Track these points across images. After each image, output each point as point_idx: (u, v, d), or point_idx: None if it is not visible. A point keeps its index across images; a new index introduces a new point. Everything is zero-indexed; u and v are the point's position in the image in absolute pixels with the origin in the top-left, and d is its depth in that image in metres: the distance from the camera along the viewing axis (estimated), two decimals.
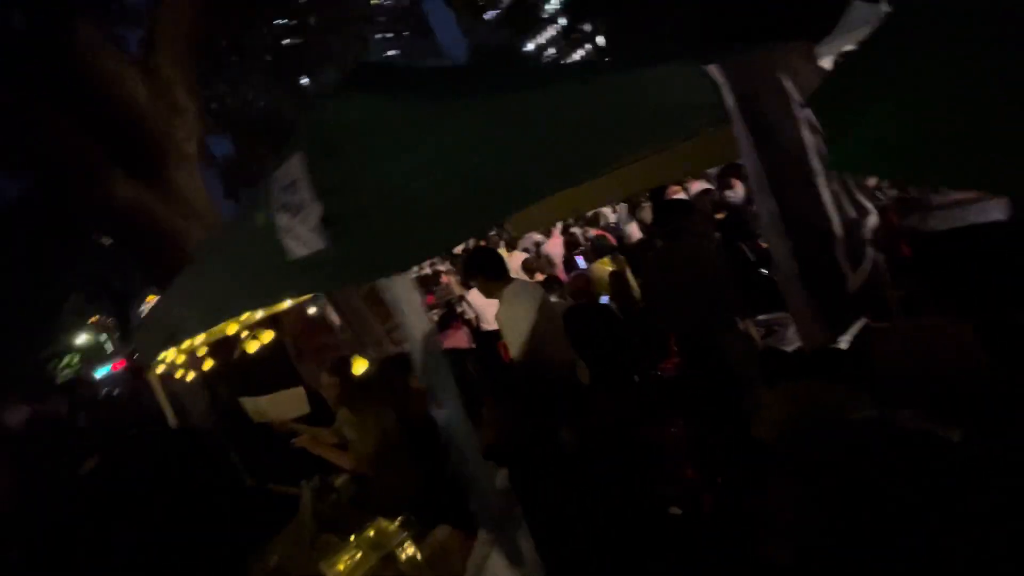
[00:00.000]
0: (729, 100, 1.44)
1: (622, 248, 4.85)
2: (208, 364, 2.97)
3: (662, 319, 3.53)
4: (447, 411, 0.92)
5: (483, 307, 4.82)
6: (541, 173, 0.88)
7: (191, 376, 3.04)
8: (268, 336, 2.50)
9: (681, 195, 4.20)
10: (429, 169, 0.77)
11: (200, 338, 2.20)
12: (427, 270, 8.92)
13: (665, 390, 3.11)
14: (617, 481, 2.42)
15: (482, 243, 9.94)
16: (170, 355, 2.46)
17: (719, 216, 3.79)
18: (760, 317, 3.14)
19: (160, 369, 2.63)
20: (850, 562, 1.37)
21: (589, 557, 2.12)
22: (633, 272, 4.16)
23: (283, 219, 0.84)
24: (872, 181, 2.56)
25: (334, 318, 4.59)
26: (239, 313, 1.12)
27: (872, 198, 2.02)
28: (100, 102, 4.17)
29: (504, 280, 2.69)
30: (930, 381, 1.47)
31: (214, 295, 1.17)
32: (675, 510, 2.60)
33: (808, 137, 1.76)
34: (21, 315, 14.39)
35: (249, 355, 4.47)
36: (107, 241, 14.83)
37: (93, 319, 18.98)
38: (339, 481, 2.66)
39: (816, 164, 1.72)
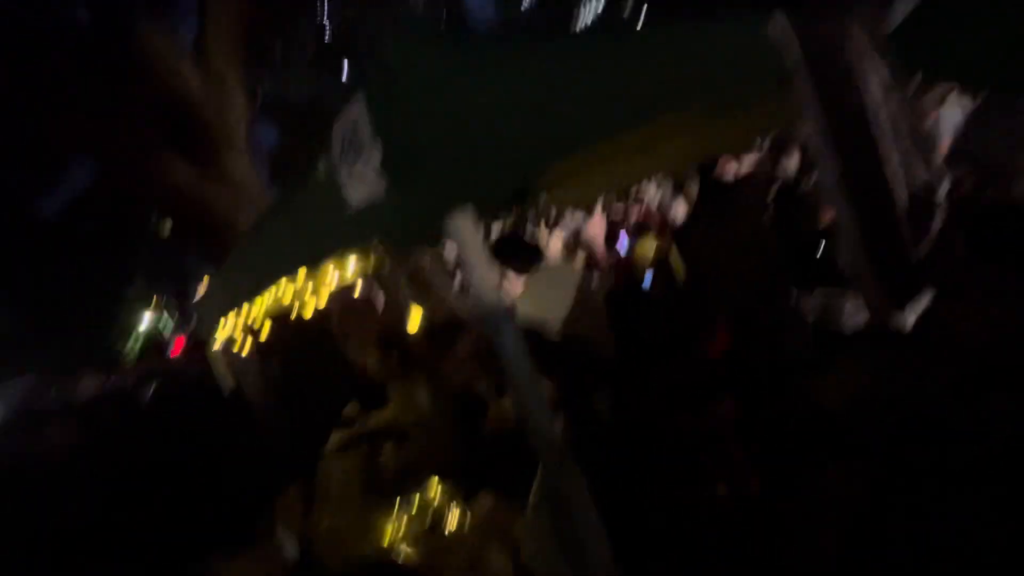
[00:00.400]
0: (793, 55, 1.35)
1: (667, 227, 4.72)
2: (264, 336, 3.10)
3: (709, 299, 3.42)
4: (514, 360, 0.90)
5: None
6: (595, 117, 0.84)
7: (248, 349, 3.18)
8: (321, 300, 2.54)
9: (732, 168, 4.02)
10: (491, 109, 0.76)
11: (257, 309, 2.29)
12: None
13: (711, 371, 3.02)
14: (659, 463, 2.38)
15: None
16: (228, 329, 2.58)
17: (772, 190, 3.62)
18: (815, 294, 3.00)
19: (219, 343, 2.76)
20: (900, 550, 1.30)
21: (629, 538, 2.10)
22: (679, 251, 4.04)
23: (344, 165, 0.84)
24: (947, 144, 2.37)
25: (380, 302, 4.68)
26: (297, 270, 1.14)
27: (949, 163, 1.88)
28: (157, 91, 4.37)
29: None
30: (1003, 358, 1.36)
31: (272, 255, 1.20)
32: (721, 490, 2.54)
33: (877, 94, 1.64)
34: (89, 298, 15.45)
35: (300, 338, 4.64)
36: (165, 227, 15.68)
37: (155, 302, 20.17)
38: (385, 451, 2.73)
39: (885, 125, 1.60)
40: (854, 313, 2.14)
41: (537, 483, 1.57)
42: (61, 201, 14.13)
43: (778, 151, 3.89)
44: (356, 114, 0.80)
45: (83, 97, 4.28)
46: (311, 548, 2.32)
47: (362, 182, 0.82)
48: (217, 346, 2.77)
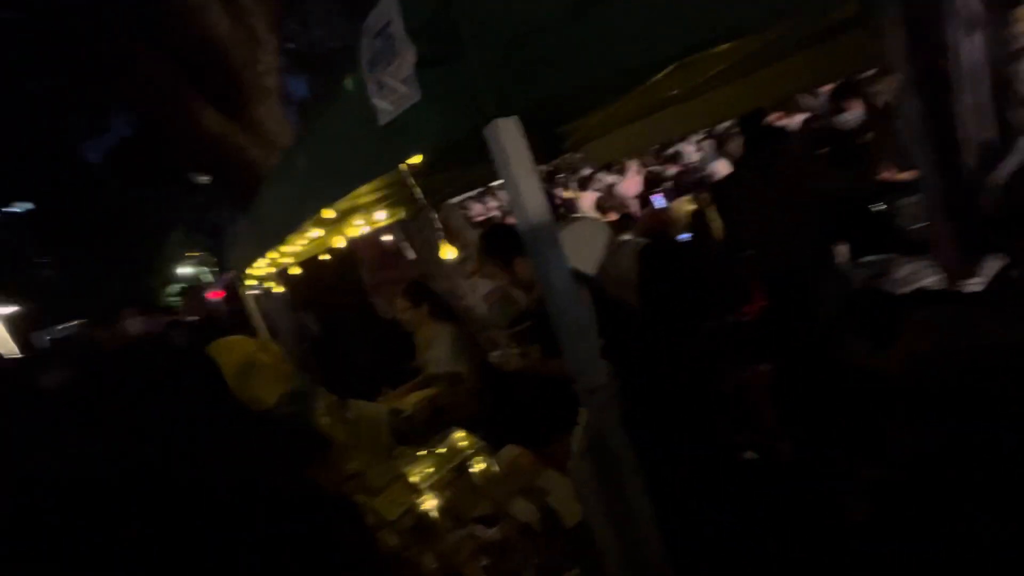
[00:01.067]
0: None
1: (705, 185, 4.51)
2: (295, 276, 3.12)
3: (747, 259, 3.27)
4: (559, 287, 0.82)
5: None
6: (654, 30, 0.73)
7: (280, 290, 3.23)
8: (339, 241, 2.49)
9: (782, 122, 3.77)
10: (539, 12, 0.66)
11: (286, 252, 2.29)
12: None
13: (746, 334, 2.92)
14: (688, 426, 2.32)
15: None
16: (260, 271, 2.59)
17: (823, 145, 3.38)
18: (867, 258, 2.82)
19: (251, 283, 2.79)
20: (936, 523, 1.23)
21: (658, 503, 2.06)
22: (718, 210, 3.86)
23: (374, 76, 0.77)
24: None
25: (408, 250, 4.68)
26: (329, 202, 1.08)
27: None
28: (185, 35, 4.31)
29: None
30: None
31: (300, 191, 1.16)
32: (750, 455, 2.49)
33: (963, 29, 1.45)
34: (131, 248, 16.08)
35: (328, 285, 4.70)
36: (202, 179, 15.99)
37: (194, 253, 20.87)
38: (413, 401, 2.77)
39: (976, 66, 1.42)
40: (914, 273, 2.00)
41: (581, 428, 1.54)
42: (105, 150, 14.52)
43: (836, 101, 3.60)
44: (387, 13, 0.72)
45: (114, 44, 4.26)
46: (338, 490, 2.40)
47: (394, 93, 0.74)
48: (248, 290, 2.81)
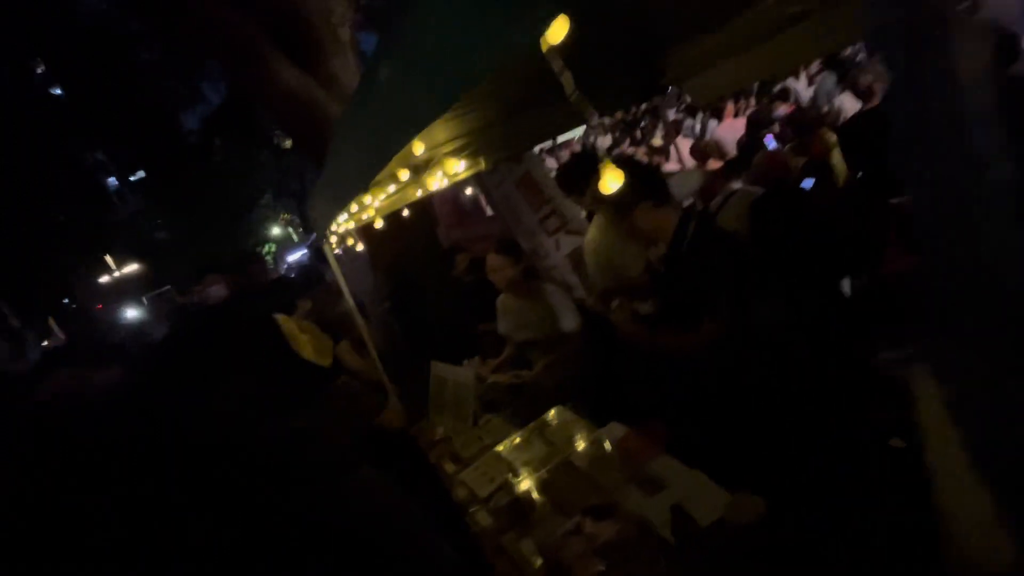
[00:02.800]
0: None
1: (825, 124, 3.86)
2: (374, 236, 3.02)
3: (885, 209, 2.73)
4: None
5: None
6: None
7: (360, 247, 3.15)
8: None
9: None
10: None
11: (367, 203, 2.14)
12: None
13: (886, 297, 2.43)
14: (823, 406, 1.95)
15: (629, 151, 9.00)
16: (342, 226, 2.49)
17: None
18: None
19: (333, 239, 2.71)
20: None
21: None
22: (845, 152, 3.28)
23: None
24: None
25: (487, 207, 4.48)
26: (404, 143, 0.87)
27: None
28: None
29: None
30: None
31: (373, 134, 0.96)
32: (896, 443, 2.10)
33: None
34: (225, 210, 17.25)
35: (406, 246, 4.63)
36: (287, 143, 16.69)
37: (284, 215, 22.15)
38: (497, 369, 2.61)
39: None
40: None
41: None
42: (200, 119, 15.50)
43: None
44: None
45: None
46: (424, 454, 2.31)
47: None
48: (331, 249, 2.73)
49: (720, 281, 1.57)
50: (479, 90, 1.56)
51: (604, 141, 9.20)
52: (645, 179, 1.59)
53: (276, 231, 21.56)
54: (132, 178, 20.05)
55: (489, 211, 4.49)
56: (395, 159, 1.06)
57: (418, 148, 1.15)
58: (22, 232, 12.79)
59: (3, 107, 12.46)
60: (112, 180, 20.20)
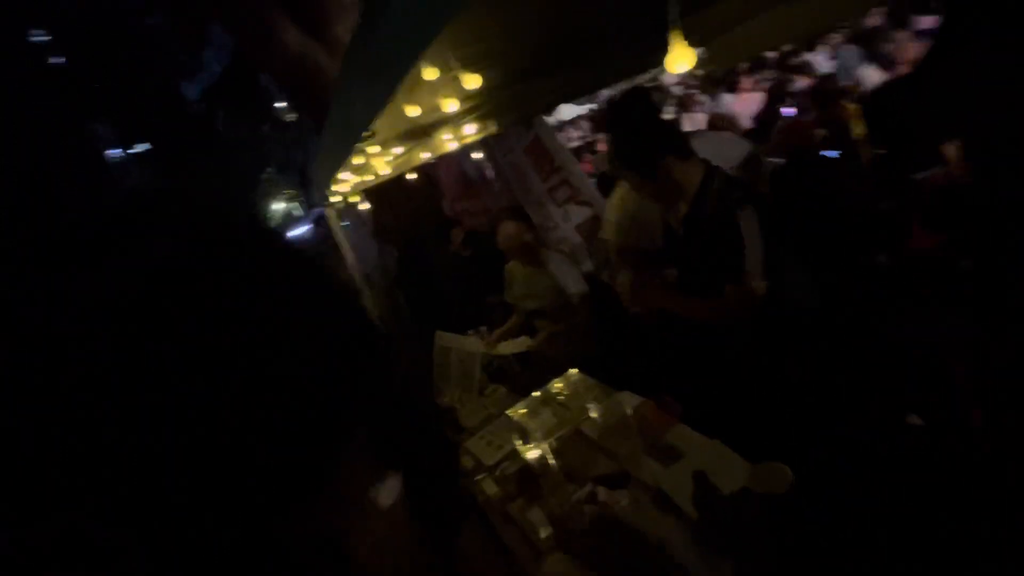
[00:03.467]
0: None
1: (845, 95, 3.71)
2: (379, 204, 2.94)
3: (911, 184, 2.63)
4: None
5: None
6: None
7: (367, 206, 3.06)
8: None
9: None
10: None
11: (374, 162, 2.05)
12: (576, 142, 8.24)
13: (921, 274, 2.34)
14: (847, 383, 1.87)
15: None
16: (345, 186, 2.40)
17: None
18: None
19: (336, 200, 2.62)
20: None
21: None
22: (871, 125, 3.14)
23: None
24: None
25: (491, 177, 4.36)
26: (403, 76, 0.79)
27: None
28: None
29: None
30: None
31: (378, 60, 0.88)
32: (914, 420, 2.04)
33: None
34: (228, 183, 17.09)
35: (410, 216, 4.54)
36: (290, 116, 16.45)
37: (287, 190, 21.97)
38: (503, 337, 2.54)
39: None
40: None
41: None
42: (203, 88, 15.24)
43: None
44: None
45: None
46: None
47: None
48: (334, 212, 2.65)
49: (746, 243, 1.48)
50: (493, 47, 1.46)
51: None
52: (666, 131, 1.49)
53: (280, 205, 21.44)
54: (135, 150, 19.87)
55: (493, 184, 4.38)
56: (404, 92, 0.97)
57: (430, 73, 1.06)
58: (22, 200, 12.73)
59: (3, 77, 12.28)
60: (115, 151, 20.03)
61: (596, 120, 9.25)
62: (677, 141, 1.48)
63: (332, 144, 1.68)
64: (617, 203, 1.77)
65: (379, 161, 2.05)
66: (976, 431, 1.79)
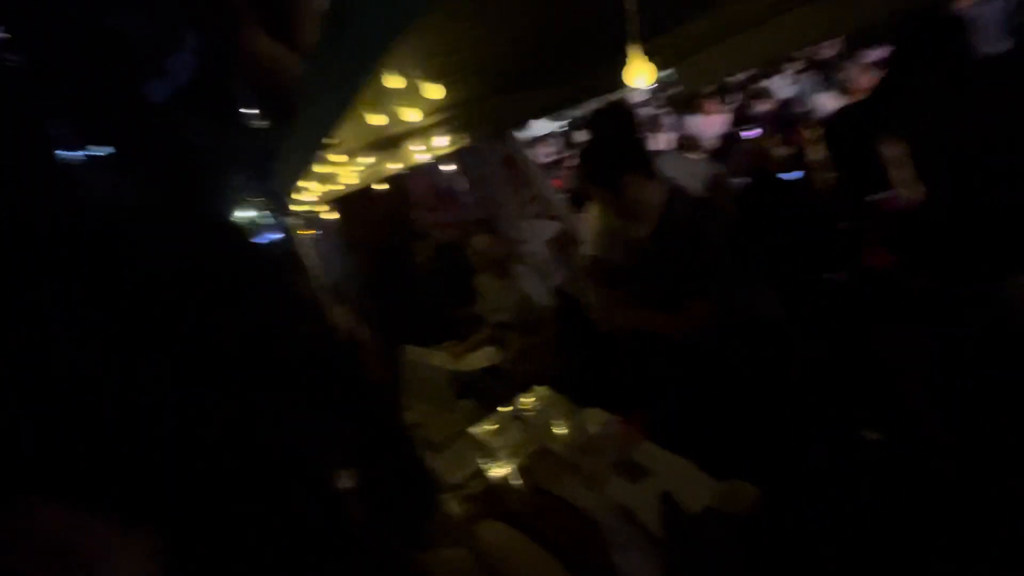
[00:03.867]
0: None
1: (805, 121, 3.87)
2: (346, 216, 2.85)
3: (864, 205, 2.74)
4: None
5: None
6: None
7: (335, 215, 2.97)
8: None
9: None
10: None
11: (342, 172, 2.01)
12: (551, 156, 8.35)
13: (881, 288, 2.42)
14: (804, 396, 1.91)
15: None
16: (311, 195, 2.34)
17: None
18: None
19: (300, 208, 2.55)
20: None
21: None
22: (831, 148, 3.28)
23: None
24: None
25: (462, 190, 4.35)
26: (364, 83, 0.78)
27: None
28: None
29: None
30: None
31: (340, 65, 0.86)
32: (872, 435, 2.10)
33: None
34: (197, 192, 16.58)
35: (379, 228, 4.47)
36: (260, 123, 16.14)
37: (255, 198, 21.47)
38: (481, 355, 2.51)
39: None
40: None
41: None
42: (168, 91, 14.80)
43: None
44: None
45: None
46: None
47: None
48: (300, 228, 2.58)
49: (711, 260, 1.51)
50: (463, 59, 1.46)
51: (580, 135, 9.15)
52: (633, 150, 1.51)
53: (249, 213, 20.94)
54: (96, 152, 19.09)
55: (464, 197, 4.37)
56: (368, 101, 0.95)
57: (394, 82, 1.04)
58: None
59: None
60: (77, 154, 19.19)
61: (567, 137, 9.41)
62: (641, 160, 1.50)
63: (295, 151, 1.64)
64: (593, 219, 1.78)
65: (346, 171, 2.01)
66: (933, 444, 1.86)
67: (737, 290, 1.59)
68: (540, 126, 9.31)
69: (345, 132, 1.31)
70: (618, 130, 1.50)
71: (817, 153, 3.57)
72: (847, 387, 2.02)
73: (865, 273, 2.45)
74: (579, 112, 7.05)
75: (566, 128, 9.39)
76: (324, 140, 1.36)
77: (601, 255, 1.69)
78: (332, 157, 1.65)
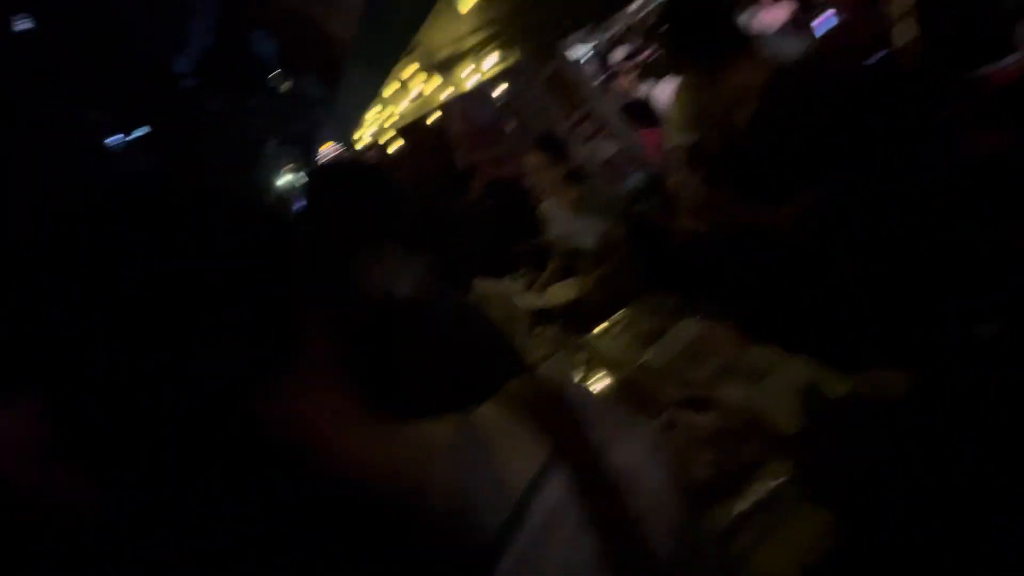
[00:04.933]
0: None
1: None
2: (396, 155, 2.81)
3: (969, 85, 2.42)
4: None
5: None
6: None
7: (396, 146, 2.93)
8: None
9: None
10: None
11: (395, 109, 1.93)
12: None
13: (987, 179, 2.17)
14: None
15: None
16: (368, 131, 2.28)
17: None
18: None
19: (362, 144, 2.51)
20: None
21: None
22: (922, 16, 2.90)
23: None
24: None
25: (507, 123, 4.18)
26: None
27: None
28: None
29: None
30: None
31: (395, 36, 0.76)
32: (987, 329, 1.93)
33: None
34: (231, 159, 16.84)
35: (426, 170, 4.39)
36: (284, 86, 15.98)
37: (287, 164, 21.68)
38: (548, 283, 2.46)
39: None
40: None
41: None
42: (191, 64, 14.79)
43: None
44: None
45: None
46: None
47: None
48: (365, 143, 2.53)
49: (817, 149, 1.36)
50: None
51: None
52: (729, 24, 1.35)
53: (283, 179, 21.25)
54: (133, 135, 19.62)
55: (510, 130, 4.20)
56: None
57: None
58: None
59: None
60: (117, 138, 19.80)
61: (603, 58, 8.82)
62: (740, 36, 1.34)
63: (359, 80, 1.56)
64: (679, 102, 1.63)
65: (402, 97, 1.92)
66: None
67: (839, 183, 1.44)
68: (576, 50, 8.78)
69: (426, 33, 1.20)
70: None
71: (909, 28, 3.15)
72: (959, 278, 1.85)
73: (973, 161, 2.18)
74: (615, 28, 6.54)
75: (601, 45, 8.78)
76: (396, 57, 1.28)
77: (696, 137, 1.55)
78: (403, 71, 1.55)
